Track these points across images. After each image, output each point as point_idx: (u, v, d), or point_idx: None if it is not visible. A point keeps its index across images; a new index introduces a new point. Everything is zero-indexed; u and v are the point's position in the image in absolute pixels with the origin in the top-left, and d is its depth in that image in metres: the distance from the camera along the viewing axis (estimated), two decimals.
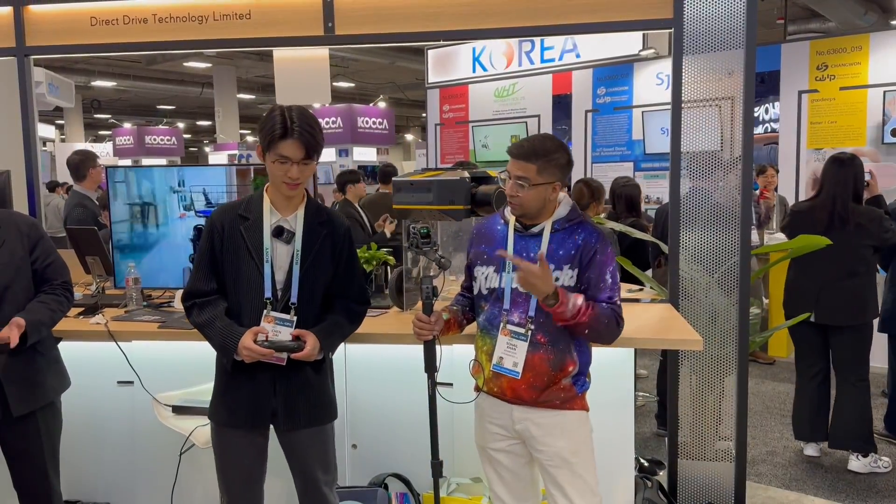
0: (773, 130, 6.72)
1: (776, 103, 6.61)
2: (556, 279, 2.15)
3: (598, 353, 2.71)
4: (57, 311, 2.52)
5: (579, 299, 2.10)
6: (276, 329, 2.23)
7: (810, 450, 4.10)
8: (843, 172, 3.81)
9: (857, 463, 3.89)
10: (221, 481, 2.33)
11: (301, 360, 2.21)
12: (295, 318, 2.25)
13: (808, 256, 3.73)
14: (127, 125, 21.97)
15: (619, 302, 2.20)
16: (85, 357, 2.96)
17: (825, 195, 3.84)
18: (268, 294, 2.23)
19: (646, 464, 3.35)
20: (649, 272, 4.52)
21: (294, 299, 2.25)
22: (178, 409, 2.63)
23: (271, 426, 2.33)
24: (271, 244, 2.24)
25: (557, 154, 2.18)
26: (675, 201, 3.12)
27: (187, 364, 2.96)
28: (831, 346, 3.96)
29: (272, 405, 2.26)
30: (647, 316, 2.95)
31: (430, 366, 2.34)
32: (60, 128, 19.69)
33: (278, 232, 2.24)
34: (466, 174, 2.87)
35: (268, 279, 2.23)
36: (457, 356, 2.77)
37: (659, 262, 4.55)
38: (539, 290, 2.09)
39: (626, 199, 4.83)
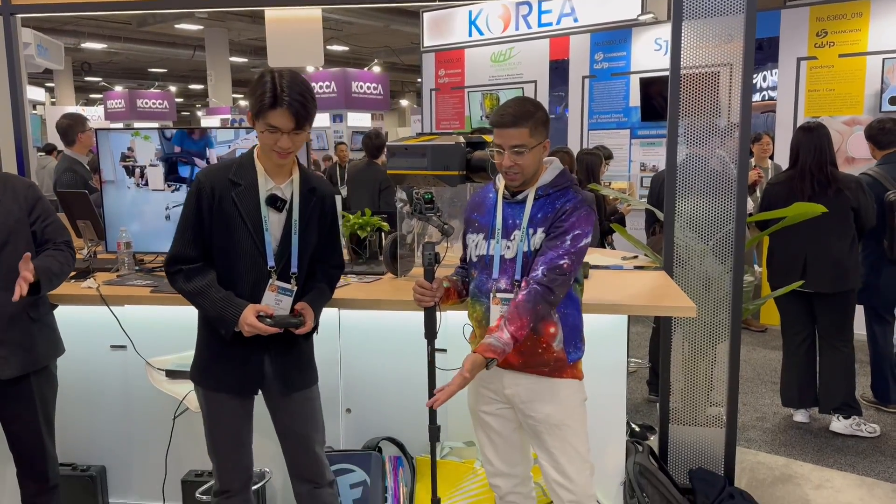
0: (771, 98, 6.67)
1: (774, 70, 6.54)
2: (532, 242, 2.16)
3: (593, 319, 2.72)
4: (65, 264, 2.49)
5: (503, 335, 2.06)
6: (278, 298, 2.23)
7: (799, 416, 4.16)
8: (816, 138, 3.84)
9: (838, 424, 3.95)
10: (210, 444, 2.34)
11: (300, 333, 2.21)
12: (296, 288, 2.24)
13: (790, 227, 3.76)
14: (118, 88, 21.68)
15: (564, 265, 2.09)
16: (78, 321, 2.95)
17: (802, 163, 3.86)
18: (271, 263, 2.21)
19: (637, 429, 3.38)
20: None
21: (295, 269, 2.24)
22: (172, 374, 2.63)
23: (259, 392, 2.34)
24: (266, 212, 2.21)
25: (539, 112, 2.17)
26: (671, 168, 3.10)
27: (180, 329, 2.94)
28: (816, 313, 4.01)
29: (265, 372, 2.27)
30: (641, 283, 2.95)
31: (431, 332, 2.33)
32: (51, 90, 19.42)
33: (272, 201, 2.20)
34: (462, 139, 2.83)
35: (269, 247, 2.20)
36: (450, 322, 2.77)
37: (654, 230, 4.55)
38: (475, 373, 2.06)
39: (586, 167, 4.94)
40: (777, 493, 3.30)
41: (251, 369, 2.26)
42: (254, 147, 2.25)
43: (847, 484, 3.39)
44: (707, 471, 3.10)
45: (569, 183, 2.22)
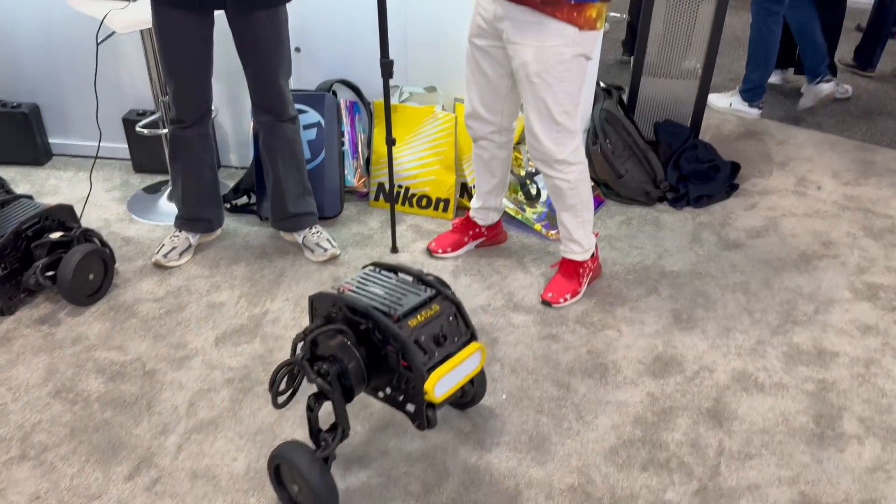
0: None
1: None
2: None
3: None
4: None
5: None
6: None
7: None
8: None
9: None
10: (165, 67, 2.14)
11: None
12: None
13: None
14: None
15: None
16: None
17: None
18: None
19: (604, 86, 3.22)
20: None
21: None
22: None
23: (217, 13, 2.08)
24: None
25: None
26: None
27: None
28: None
29: None
30: None
31: None
32: None
33: None
34: None
35: None
36: None
37: None
38: None
39: None
40: (739, 146, 3.27)
41: None
42: None
43: (810, 140, 3.37)
44: (673, 122, 3.02)
45: None
